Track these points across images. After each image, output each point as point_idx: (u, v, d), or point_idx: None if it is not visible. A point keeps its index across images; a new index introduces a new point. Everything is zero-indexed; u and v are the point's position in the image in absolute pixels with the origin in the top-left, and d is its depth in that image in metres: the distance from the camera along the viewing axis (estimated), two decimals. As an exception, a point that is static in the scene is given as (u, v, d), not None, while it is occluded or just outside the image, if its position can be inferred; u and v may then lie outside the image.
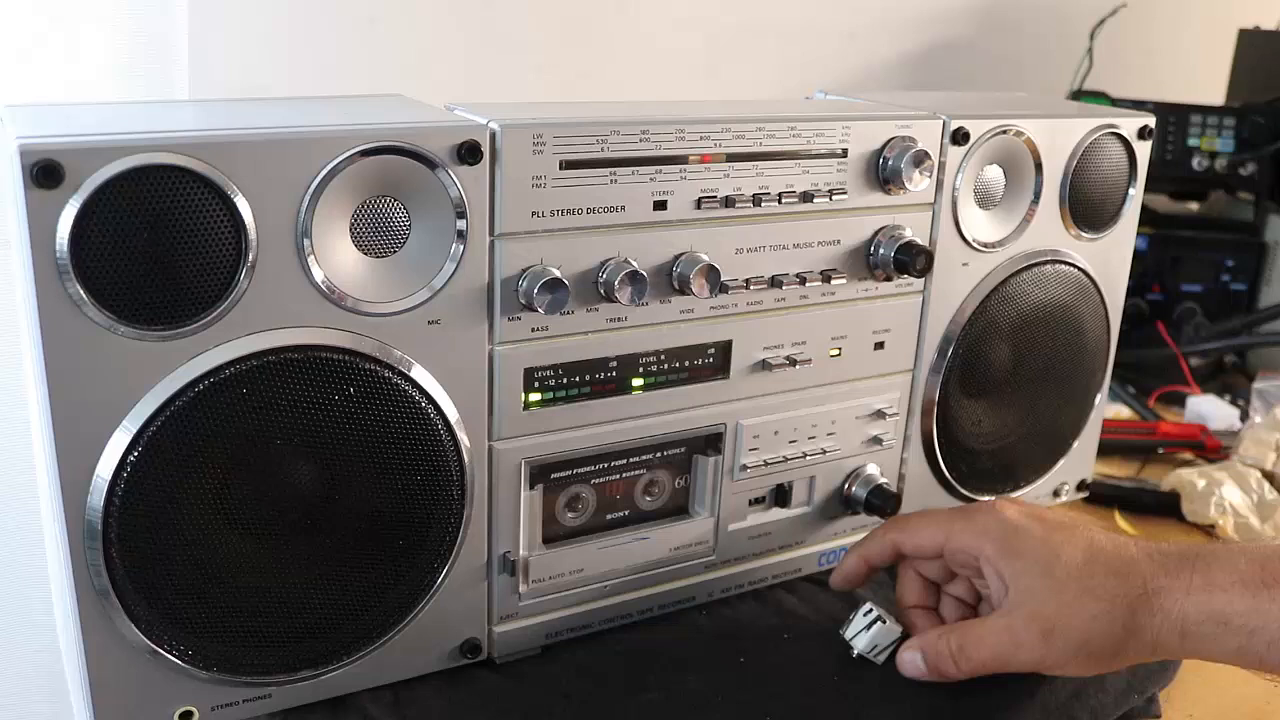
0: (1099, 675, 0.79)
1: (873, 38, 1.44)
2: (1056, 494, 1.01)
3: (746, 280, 0.77)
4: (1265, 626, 0.62)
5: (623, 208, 0.71)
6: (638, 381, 0.76)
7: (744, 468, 0.82)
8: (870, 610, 0.78)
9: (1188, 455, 1.18)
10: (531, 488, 0.74)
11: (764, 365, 0.80)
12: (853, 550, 0.81)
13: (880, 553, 0.79)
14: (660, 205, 0.72)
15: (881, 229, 0.81)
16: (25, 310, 0.59)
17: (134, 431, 0.59)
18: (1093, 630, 0.66)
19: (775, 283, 0.78)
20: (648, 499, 0.80)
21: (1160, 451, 1.18)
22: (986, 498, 0.95)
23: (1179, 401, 1.28)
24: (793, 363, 0.81)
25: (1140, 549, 0.67)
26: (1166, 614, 0.64)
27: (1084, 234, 0.92)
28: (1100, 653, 0.67)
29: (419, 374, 0.67)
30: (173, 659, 0.64)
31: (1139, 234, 0.98)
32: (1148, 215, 1.35)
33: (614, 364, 0.74)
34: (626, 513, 0.80)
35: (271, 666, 0.68)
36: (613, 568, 0.79)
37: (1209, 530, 1.03)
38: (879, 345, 0.85)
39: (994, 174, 0.87)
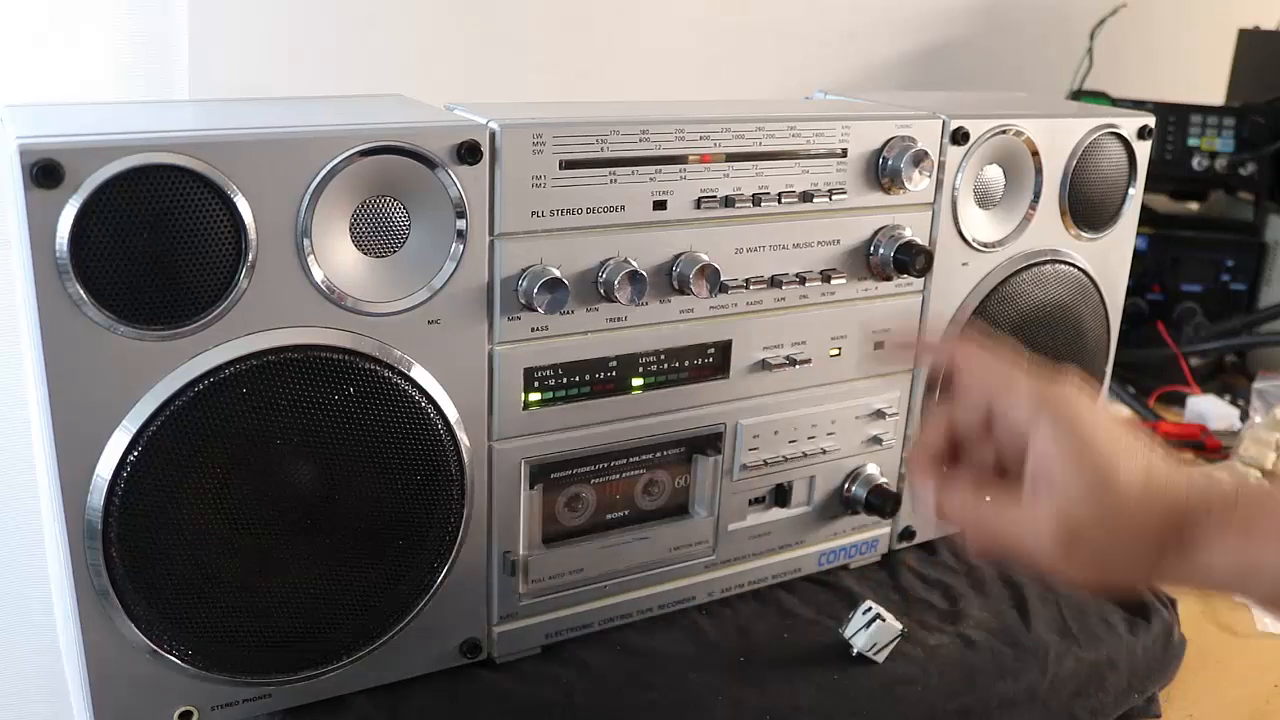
0: (1099, 675, 0.79)
1: (873, 38, 1.44)
2: (1056, 494, 1.01)
3: (746, 280, 0.77)
4: None
5: (622, 208, 0.71)
6: (638, 381, 0.76)
7: (744, 467, 0.82)
8: (869, 609, 0.78)
9: (1188, 455, 1.18)
10: (531, 487, 0.74)
11: (764, 365, 0.80)
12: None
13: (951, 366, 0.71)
14: (660, 205, 0.72)
15: (881, 229, 0.81)
16: (25, 310, 0.59)
17: (134, 431, 0.59)
18: (1116, 558, 0.62)
19: (775, 283, 0.78)
20: (648, 499, 0.80)
21: (1160, 451, 1.18)
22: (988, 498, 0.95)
23: (1179, 401, 1.28)
24: (793, 363, 0.81)
25: (1192, 488, 0.62)
26: (1192, 555, 0.61)
27: (1084, 234, 0.92)
28: (1109, 577, 0.63)
29: (419, 374, 0.67)
30: (173, 659, 0.64)
31: (1139, 234, 0.98)
32: (1148, 215, 1.34)
33: (614, 364, 0.74)
34: (626, 512, 0.80)
35: (271, 666, 0.68)
36: (613, 568, 0.79)
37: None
38: (879, 345, 0.85)
39: (994, 174, 0.87)
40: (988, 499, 0.67)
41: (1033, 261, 0.89)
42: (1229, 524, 0.59)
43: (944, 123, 0.82)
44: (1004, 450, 0.67)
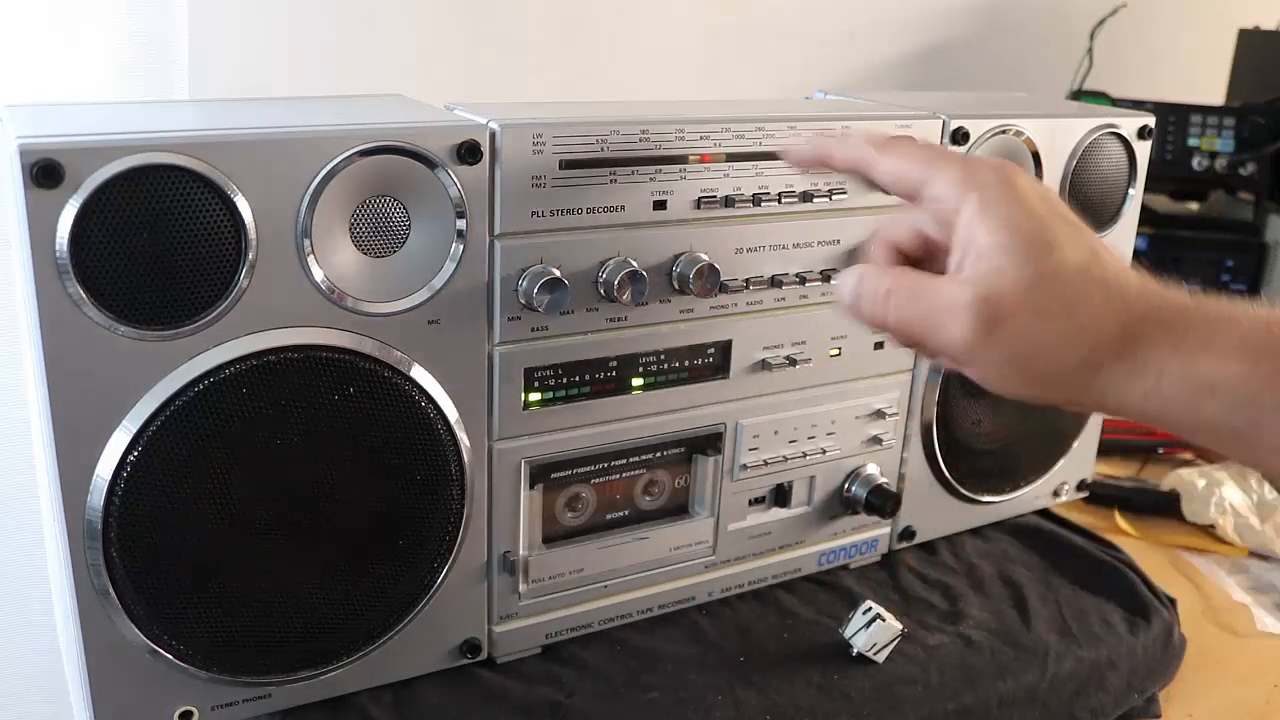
0: (1099, 675, 0.79)
1: (873, 38, 1.44)
2: (1056, 494, 1.01)
3: (746, 280, 0.77)
4: (1258, 400, 0.49)
5: (622, 208, 0.71)
6: (638, 381, 0.76)
7: (744, 467, 0.82)
8: (869, 609, 0.78)
9: (1188, 455, 1.18)
10: (531, 487, 0.74)
11: (764, 365, 0.80)
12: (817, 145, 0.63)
13: (846, 160, 0.61)
14: (660, 205, 0.72)
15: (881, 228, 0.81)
16: (25, 310, 0.59)
17: (134, 431, 0.59)
18: (1043, 348, 0.52)
19: (775, 283, 0.78)
20: (648, 499, 0.80)
21: (1160, 451, 1.18)
22: (989, 498, 0.95)
23: (1179, 401, 1.28)
24: (793, 363, 0.81)
25: (1141, 283, 0.53)
26: (1139, 366, 0.51)
27: (1084, 234, 0.92)
28: (1035, 376, 0.53)
29: (419, 374, 0.67)
30: (173, 659, 0.64)
31: (1139, 234, 0.98)
32: (1148, 215, 1.34)
33: (614, 364, 0.74)
34: (626, 512, 0.80)
35: (271, 666, 0.68)
36: (613, 568, 0.79)
37: (1209, 530, 1.03)
38: (879, 345, 0.85)
39: (994, 174, 0.86)
40: (901, 271, 0.57)
41: (1033, 261, 0.89)
42: (1187, 332, 0.50)
43: (944, 123, 0.82)
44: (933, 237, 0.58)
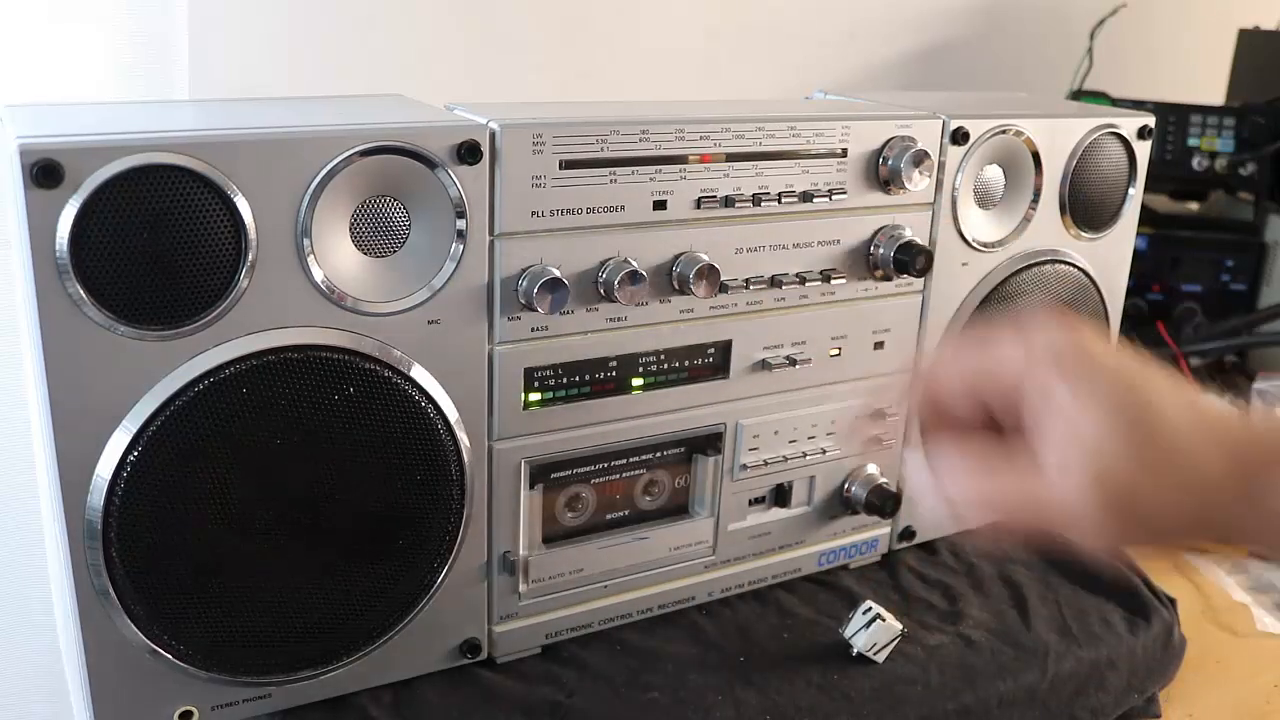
0: (1099, 675, 0.79)
1: (873, 38, 1.44)
2: (1056, 494, 1.01)
3: (746, 280, 0.77)
4: None
5: (622, 208, 0.71)
6: (638, 381, 0.76)
7: (744, 467, 0.82)
8: (869, 609, 0.78)
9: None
10: (531, 487, 0.74)
11: (764, 365, 0.80)
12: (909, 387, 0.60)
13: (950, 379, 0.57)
14: (660, 205, 0.72)
15: (881, 229, 0.81)
16: (25, 310, 0.59)
17: (134, 431, 0.59)
18: (1171, 514, 0.51)
19: (775, 283, 0.78)
20: (648, 499, 0.80)
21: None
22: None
23: (1179, 401, 1.28)
24: (793, 362, 0.81)
25: (1253, 424, 0.54)
26: (1269, 508, 0.51)
27: (1084, 234, 0.92)
28: (1166, 536, 0.54)
29: (419, 374, 0.67)
30: (173, 659, 0.64)
31: (1139, 234, 0.98)
32: (1148, 215, 1.34)
33: (614, 364, 0.74)
34: (626, 513, 0.80)
35: (271, 666, 0.68)
36: (613, 568, 0.79)
37: (1209, 530, 1.03)
38: (879, 345, 0.85)
39: (994, 174, 0.87)
40: (992, 470, 0.55)
41: (1033, 261, 0.89)
42: None
43: (944, 123, 0.82)
44: (994, 408, 0.56)
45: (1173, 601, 0.88)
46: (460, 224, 0.66)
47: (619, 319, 0.73)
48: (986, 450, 0.56)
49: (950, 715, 0.75)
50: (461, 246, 0.66)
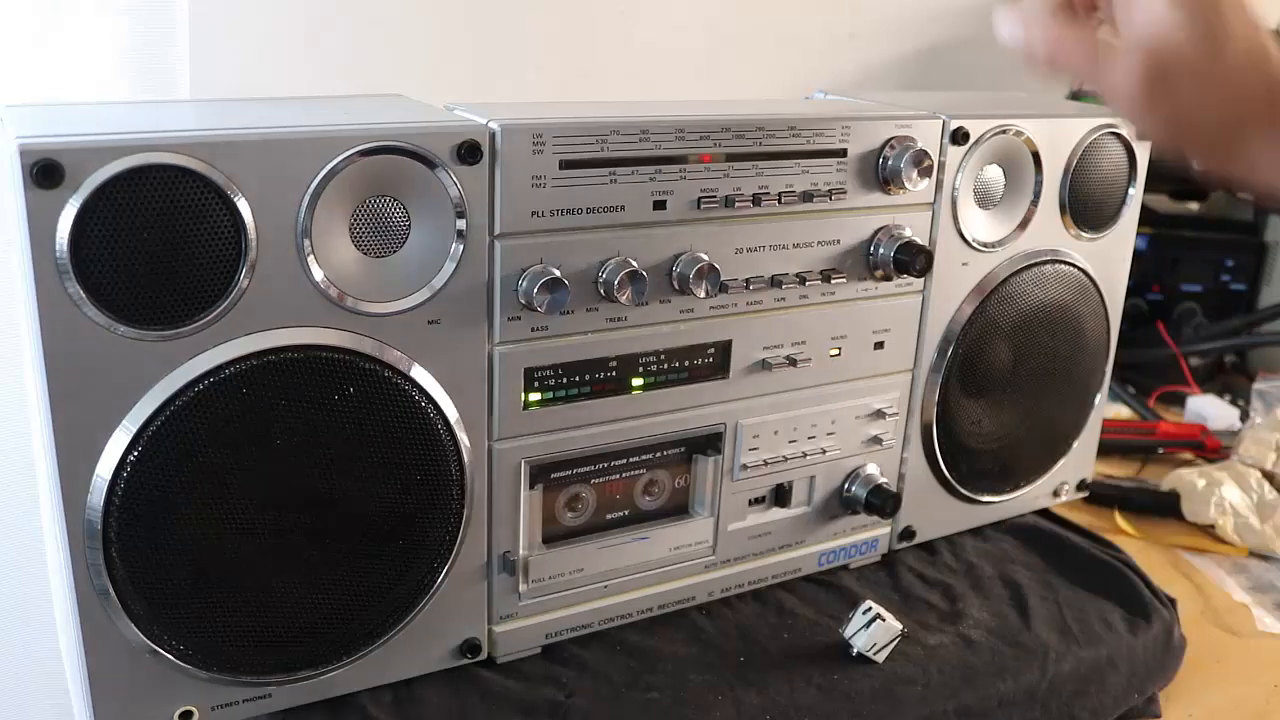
0: (1099, 675, 0.79)
1: (873, 38, 1.44)
2: (1056, 494, 1.01)
3: (746, 280, 0.77)
4: None
5: (622, 208, 0.71)
6: (638, 381, 0.76)
7: (744, 467, 0.82)
8: (869, 609, 0.78)
9: (1188, 455, 1.18)
10: (531, 487, 0.74)
11: (764, 365, 0.80)
12: None
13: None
14: (660, 205, 0.72)
15: (881, 229, 0.81)
16: (25, 310, 0.59)
17: (134, 431, 0.59)
18: (1199, 117, 0.56)
19: (775, 283, 0.78)
20: (648, 499, 0.80)
21: (1160, 451, 1.18)
22: (989, 498, 0.95)
23: (1179, 401, 1.28)
24: (793, 362, 0.81)
25: None
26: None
27: (1084, 234, 0.92)
28: (1189, 136, 0.58)
29: (419, 374, 0.67)
30: (173, 659, 0.64)
31: (1139, 234, 0.98)
32: (1148, 215, 1.34)
33: (614, 364, 0.74)
34: (626, 513, 0.80)
35: (271, 666, 0.68)
36: (613, 568, 0.79)
37: (1209, 530, 1.03)
38: (879, 345, 0.85)
39: (994, 174, 0.87)
40: (1072, 24, 0.60)
41: (1033, 261, 0.89)
42: None
43: (944, 123, 0.82)
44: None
45: (1173, 601, 0.88)
46: (460, 224, 0.66)
47: (619, 319, 0.73)
48: (1073, 13, 0.60)
49: (950, 715, 0.75)
50: (461, 246, 0.66)
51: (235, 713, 0.68)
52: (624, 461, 0.78)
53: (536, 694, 0.73)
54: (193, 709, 0.66)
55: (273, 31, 1.07)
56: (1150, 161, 0.94)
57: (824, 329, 0.82)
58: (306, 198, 0.61)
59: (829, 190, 0.78)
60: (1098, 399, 0.99)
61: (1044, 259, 0.90)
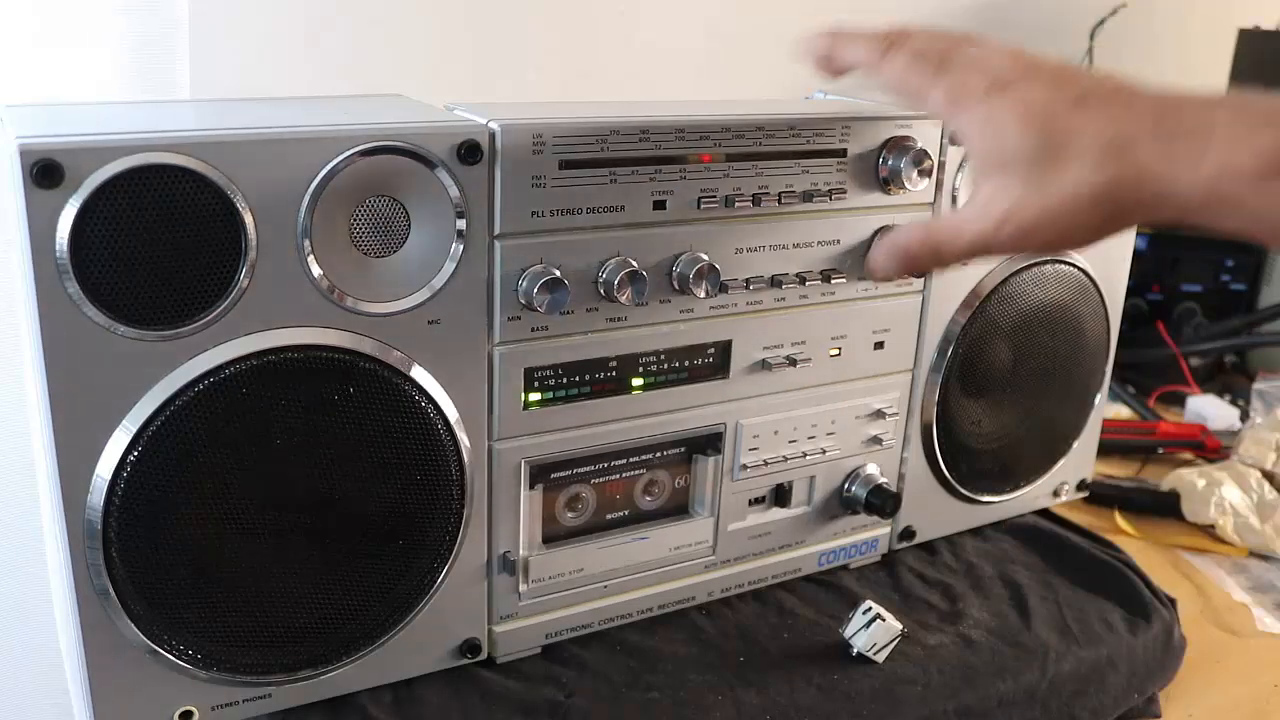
0: (1099, 675, 0.79)
1: (873, 38, 1.44)
2: (1056, 494, 1.01)
3: (746, 280, 0.77)
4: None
5: (622, 208, 0.71)
6: (638, 381, 0.76)
7: (744, 467, 0.82)
8: (869, 609, 0.78)
9: (1188, 455, 1.18)
10: (531, 487, 0.74)
11: (764, 365, 0.80)
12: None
13: (848, 62, 0.71)
14: (660, 205, 0.72)
15: (881, 229, 0.81)
16: (25, 310, 0.59)
17: (134, 431, 0.59)
18: (1062, 212, 0.57)
19: (775, 283, 0.78)
20: (648, 499, 0.80)
21: (1160, 451, 1.18)
22: (989, 498, 0.95)
23: (1179, 401, 1.28)
24: (792, 362, 0.81)
25: (1141, 110, 0.56)
26: (1162, 197, 0.56)
27: (1084, 234, 0.92)
28: (1068, 236, 0.59)
29: (419, 374, 0.67)
30: (173, 659, 0.64)
31: (1139, 234, 0.98)
32: (1148, 215, 1.34)
33: (614, 364, 0.74)
34: (626, 513, 0.80)
35: (271, 666, 0.68)
36: (613, 568, 0.79)
37: (1209, 530, 1.03)
38: (879, 345, 0.85)
39: (994, 174, 0.86)
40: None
41: (1033, 261, 0.89)
42: (1205, 147, 0.55)
43: (944, 123, 0.82)
44: None
45: (1173, 601, 0.88)
46: (460, 224, 0.66)
47: (619, 319, 0.73)
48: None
49: (950, 715, 0.75)
50: (461, 246, 0.66)
51: (235, 713, 0.68)
52: (624, 461, 0.78)
53: (536, 694, 0.73)
54: (193, 709, 0.66)
55: (273, 31, 1.07)
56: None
57: (824, 329, 0.82)
58: (306, 198, 0.61)
59: (829, 190, 0.78)
60: (1098, 399, 0.99)
61: (1044, 259, 0.90)
